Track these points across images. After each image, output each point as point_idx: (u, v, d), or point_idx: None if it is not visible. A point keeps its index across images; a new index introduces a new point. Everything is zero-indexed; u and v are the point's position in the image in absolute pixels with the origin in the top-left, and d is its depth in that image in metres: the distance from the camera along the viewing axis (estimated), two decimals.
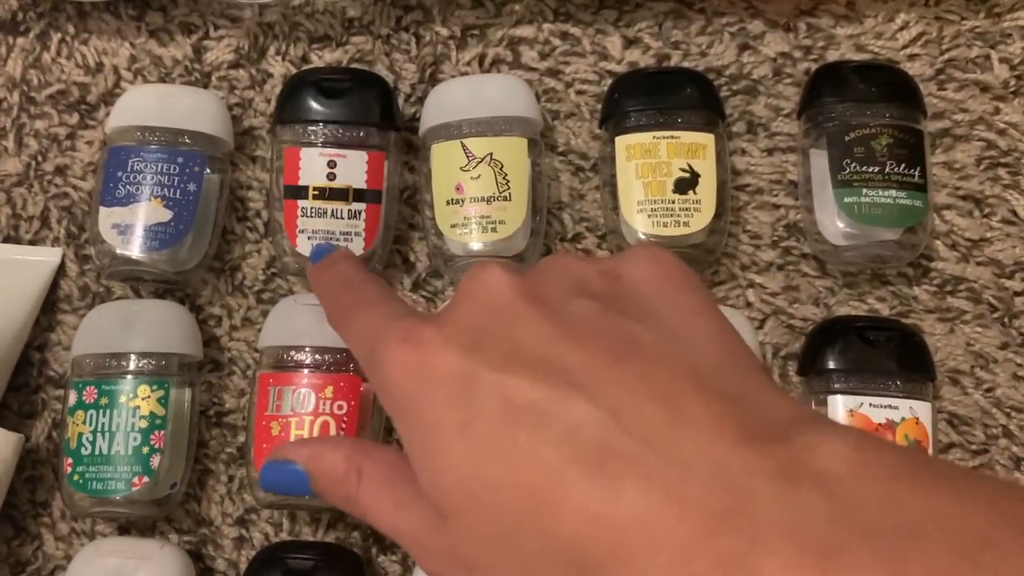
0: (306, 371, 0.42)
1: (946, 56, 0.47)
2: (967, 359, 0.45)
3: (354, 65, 0.49)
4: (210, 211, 0.46)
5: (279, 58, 0.49)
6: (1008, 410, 0.44)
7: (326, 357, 0.42)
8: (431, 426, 0.23)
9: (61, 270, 0.47)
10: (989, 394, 0.44)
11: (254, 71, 0.49)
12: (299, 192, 0.43)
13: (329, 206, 0.43)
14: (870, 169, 0.43)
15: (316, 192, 0.43)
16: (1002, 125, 0.47)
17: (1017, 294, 0.45)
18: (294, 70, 0.49)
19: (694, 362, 0.22)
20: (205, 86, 0.49)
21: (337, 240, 0.43)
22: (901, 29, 0.48)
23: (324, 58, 0.49)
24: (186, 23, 0.50)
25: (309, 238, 0.43)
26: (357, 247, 0.43)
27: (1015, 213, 0.46)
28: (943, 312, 0.45)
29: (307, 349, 0.42)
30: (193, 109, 0.45)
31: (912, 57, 0.47)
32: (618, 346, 0.22)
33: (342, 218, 0.43)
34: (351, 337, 0.29)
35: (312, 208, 0.43)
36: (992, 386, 0.44)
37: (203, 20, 0.50)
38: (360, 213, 0.43)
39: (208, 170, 0.45)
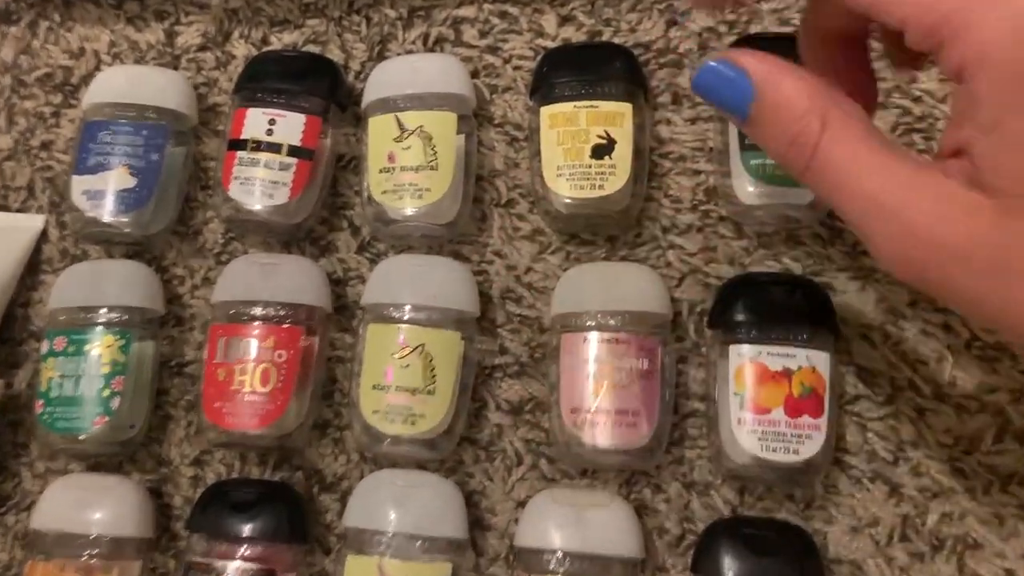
0: (253, 323, 0.46)
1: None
2: (877, 315, 0.47)
3: (308, 45, 0.53)
4: (173, 179, 0.50)
5: (242, 41, 0.53)
6: (914, 363, 0.46)
7: (269, 311, 0.46)
8: None
9: (44, 235, 0.52)
10: (896, 348, 0.46)
11: (219, 53, 0.53)
12: (240, 145, 0.48)
13: (263, 157, 0.47)
14: None
15: (254, 144, 0.47)
16: (917, 93, 0.48)
17: None
18: (255, 51, 0.53)
19: None
20: (175, 67, 0.53)
21: (264, 187, 0.47)
22: None
23: (283, 40, 0.53)
24: (160, 10, 0.54)
25: (241, 184, 0.47)
26: (282, 196, 0.47)
27: None
28: (856, 271, 0.47)
29: (255, 304, 0.46)
30: (158, 87, 0.50)
31: None
32: None
33: (273, 168, 0.47)
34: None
35: (248, 158, 0.47)
36: (899, 340, 0.46)
37: (175, 7, 0.54)
38: (291, 167, 0.47)
39: (172, 142, 0.50)
